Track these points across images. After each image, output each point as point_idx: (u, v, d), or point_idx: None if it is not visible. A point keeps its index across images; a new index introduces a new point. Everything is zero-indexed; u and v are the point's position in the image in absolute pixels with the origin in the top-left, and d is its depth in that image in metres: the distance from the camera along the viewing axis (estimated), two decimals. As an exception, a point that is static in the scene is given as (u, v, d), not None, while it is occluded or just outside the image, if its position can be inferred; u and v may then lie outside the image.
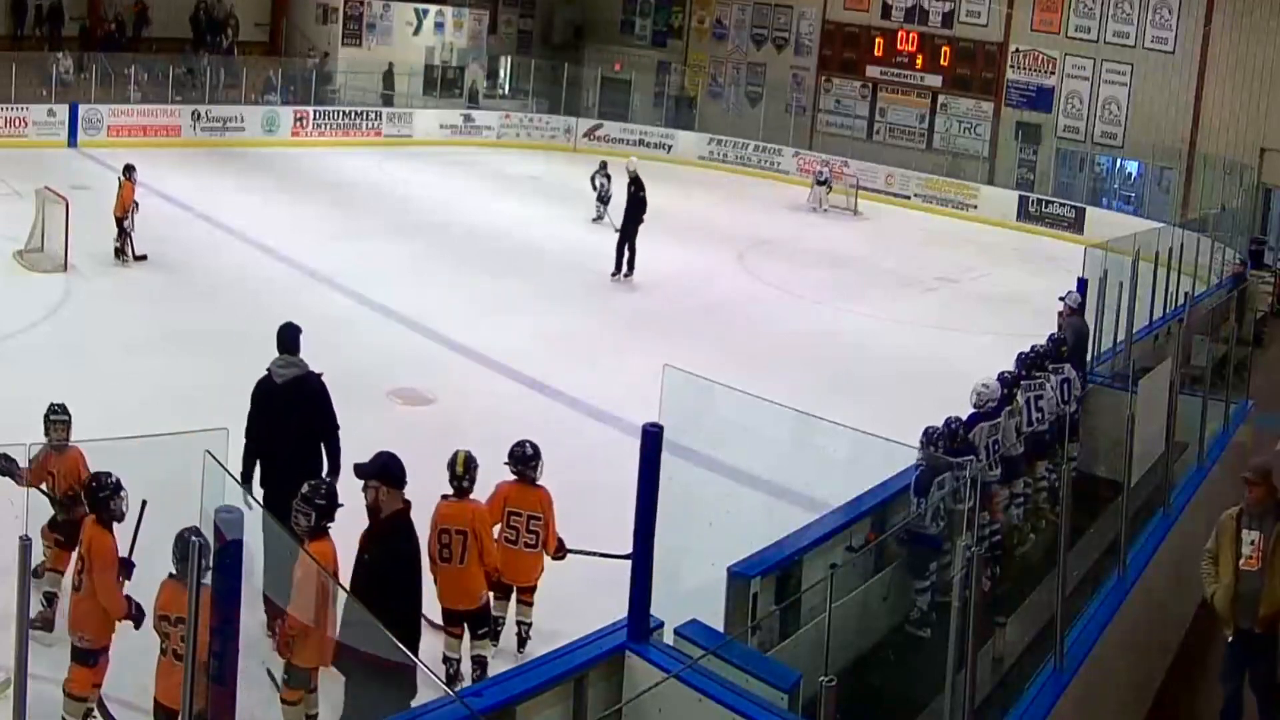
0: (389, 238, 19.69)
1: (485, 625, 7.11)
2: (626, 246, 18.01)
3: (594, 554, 7.58)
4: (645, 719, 5.13)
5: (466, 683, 6.84)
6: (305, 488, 6.17)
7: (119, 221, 16.08)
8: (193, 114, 27.11)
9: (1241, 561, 6.63)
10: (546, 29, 37.26)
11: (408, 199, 23.69)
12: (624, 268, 17.99)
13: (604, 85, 34.08)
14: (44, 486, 6.76)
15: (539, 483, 7.45)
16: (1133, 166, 28.28)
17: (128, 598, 5.99)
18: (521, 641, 7.55)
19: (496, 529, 7.28)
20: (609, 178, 21.47)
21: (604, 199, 21.71)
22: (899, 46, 31.12)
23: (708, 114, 33.77)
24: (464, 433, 8.00)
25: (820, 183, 27.78)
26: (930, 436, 7.68)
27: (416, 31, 33.07)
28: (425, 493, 7.14)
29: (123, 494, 5.95)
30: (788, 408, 6.05)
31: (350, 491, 6.39)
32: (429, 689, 6.27)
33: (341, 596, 6.11)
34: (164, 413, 8.31)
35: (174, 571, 5.39)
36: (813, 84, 32.69)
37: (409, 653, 6.30)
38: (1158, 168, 27.33)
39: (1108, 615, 6.56)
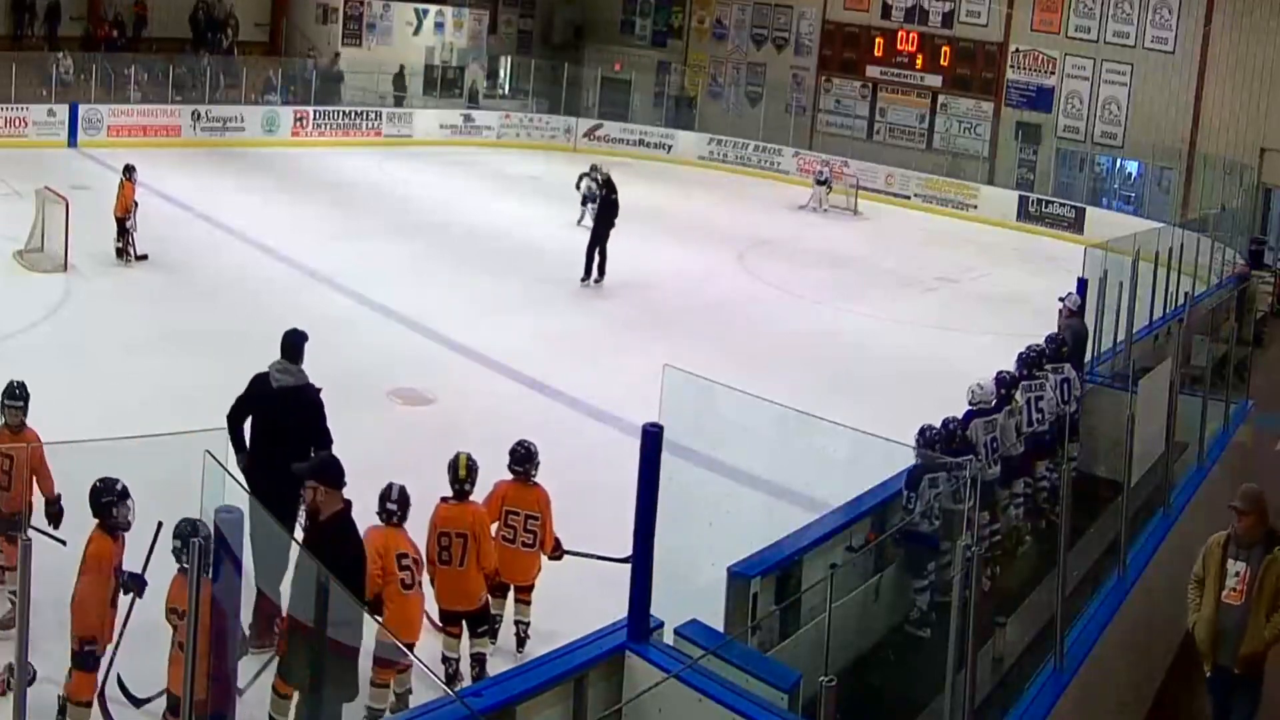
0: (389, 238, 19.69)
1: (484, 624, 7.12)
2: (597, 251, 17.53)
3: (592, 556, 7.59)
4: (645, 719, 5.14)
5: (466, 683, 6.84)
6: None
7: (120, 221, 16.08)
8: (193, 114, 27.11)
9: (1224, 593, 6.27)
10: (546, 29, 37.26)
11: (408, 199, 23.69)
12: (594, 273, 17.53)
13: (604, 85, 34.08)
14: None
15: (537, 482, 7.46)
16: (1133, 166, 28.28)
17: (131, 576, 5.97)
18: (520, 641, 7.55)
19: (494, 527, 7.29)
20: (597, 181, 20.33)
21: (590, 200, 20.85)
22: (899, 46, 31.12)
23: (708, 114, 33.77)
24: (464, 433, 8.01)
25: (820, 183, 27.78)
26: (926, 435, 7.69)
27: (416, 31, 33.06)
28: (424, 493, 7.15)
29: (129, 502, 5.87)
30: (788, 408, 6.05)
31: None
32: (429, 689, 6.29)
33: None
34: (164, 413, 8.31)
35: (178, 562, 5.41)
36: (813, 84, 32.69)
37: (410, 653, 6.35)
38: (1158, 168, 27.33)
39: (1108, 615, 6.56)
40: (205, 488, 3.92)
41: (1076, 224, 26.72)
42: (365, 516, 6.68)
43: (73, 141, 25.19)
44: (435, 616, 7.23)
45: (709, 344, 14.15)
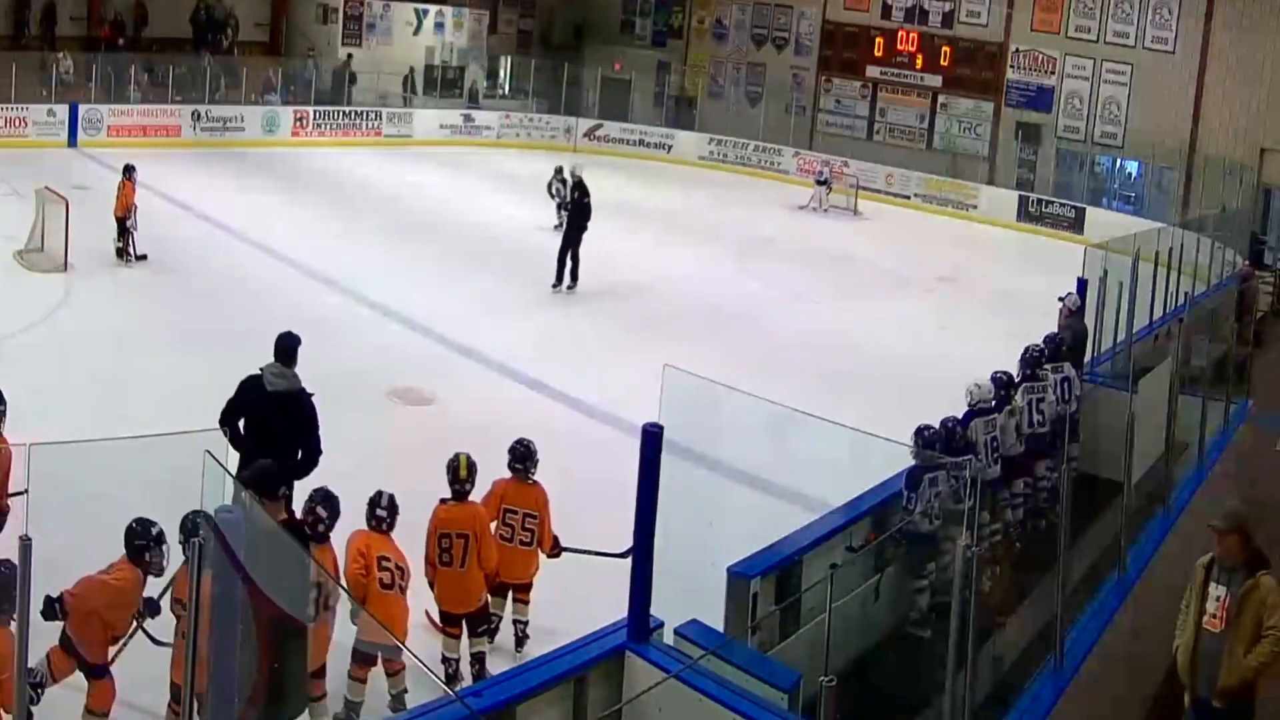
0: (389, 238, 19.69)
1: (484, 624, 7.12)
2: (569, 255, 17.00)
3: (589, 552, 7.60)
4: (645, 719, 5.14)
5: (466, 683, 6.84)
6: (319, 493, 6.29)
7: (120, 221, 16.08)
8: (193, 114, 27.10)
9: (1205, 619, 5.84)
10: (546, 29, 37.24)
11: (408, 199, 23.68)
12: (566, 278, 16.99)
13: (604, 85, 34.08)
14: None
15: (536, 480, 7.46)
16: (1133, 166, 28.28)
17: (148, 602, 5.95)
18: (519, 641, 7.54)
19: (493, 526, 7.28)
20: (565, 182, 19.86)
21: (565, 206, 19.80)
22: (899, 46, 31.12)
23: (708, 114, 33.76)
24: (464, 433, 8.00)
25: (820, 183, 27.79)
26: (923, 435, 7.69)
27: (416, 31, 33.05)
28: (424, 493, 7.15)
29: (164, 548, 5.81)
30: (788, 408, 6.05)
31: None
32: (429, 689, 6.29)
33: (343, 599, 6.14)
34: (164, 413, 8.31)
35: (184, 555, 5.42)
36: (813, 84, 32.68)
37: (406, 648, 6.35)
38: (1158, 168, 27.31)
39: (1108, 615, 6.56)
40: (205, 488, 3.91)
41: (1076, 224, 26.73)
42: (362, 517, 6.70)
43: (73, 141, 25.18)
44: (435, 617, 7.24)
45: (709, 344, 14.14)
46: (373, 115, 30.25)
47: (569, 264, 16.99)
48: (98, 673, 5.88)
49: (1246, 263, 19.39)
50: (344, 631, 6.50)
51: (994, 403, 8.69)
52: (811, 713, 4.97)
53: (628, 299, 17.28)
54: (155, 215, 17.63)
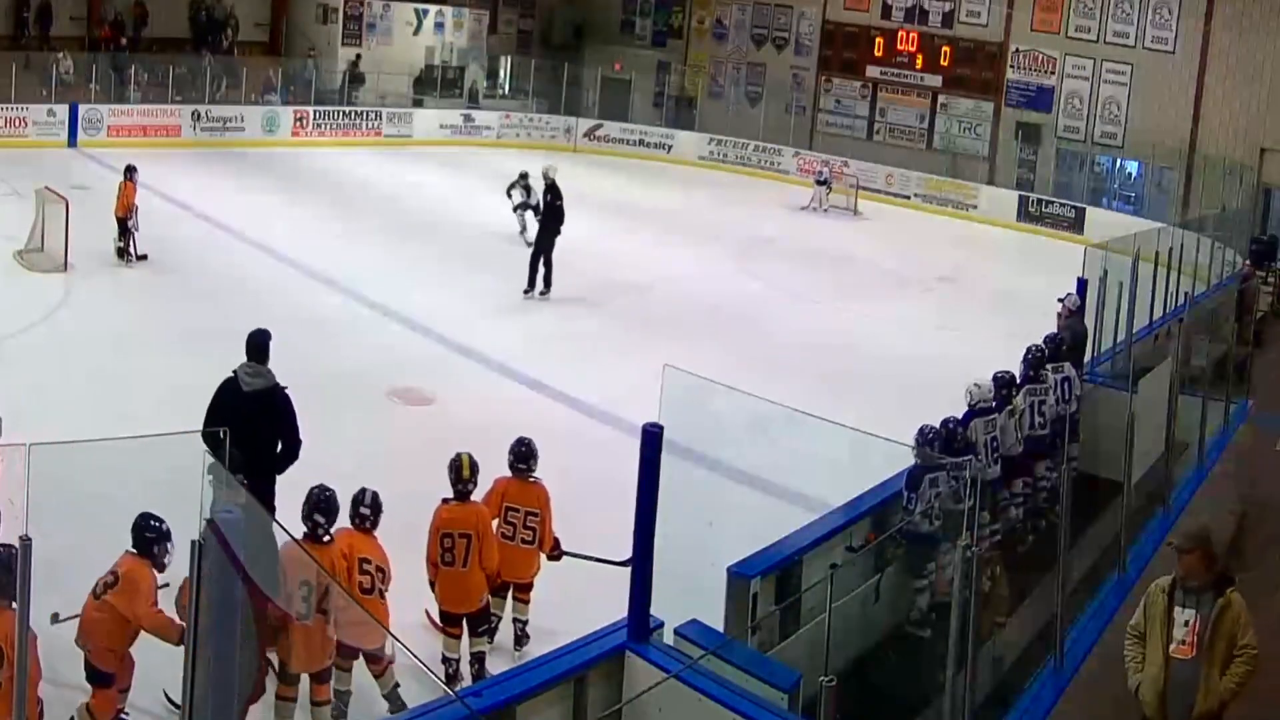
0: (389, 238, 19.69)
1: (484, 624, 7.12)
2: (541, 261, 16.48)
3: (591, 558, 7.59)
4: (645, 719, 5.14)
5: (466, 683, 6.84)
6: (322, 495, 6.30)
7: (121, 222, 16.07)
8: (193, 114, 27.09)
9: (1173, 647, 5.38)
10: (546, 29, 37.24)
11: (408, 199, 23.68)
12: (539, 284, 16.48)
13: (604, 85, 34.08)
14: None
15: (537, 479, 7.47)
16: (1133, 166, 28.27)
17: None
18: (519, 640, 7.54)
19: (494, 524, 7.28)
20: (528, 189, 19.39)
21: (524, 208, 19.55)
22: (899, 46, 31.11)
23: (708, 114, 33.75)
24: (464, 433, 8.00)
25: (820, 183, 27.79)
26: (924, 435, 7.69)
27: (416, 31, 33.04)
28: (424, 493, 7.16)
29: (170, 545, 5.84)
30: (788, 408, 6.05)
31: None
32: (429, 689, 6.28)
33: (333, 595, 6.13)
34: (164, 413, 8.31)
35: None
36: (813, 84, 32.68)
37: (415, 655, 6.34)
38: (1158, 168, 27.31)
39: (1108, 615, 6.56)
40: (205, 488, 3.91)
41: (1076, 224, 26.72)
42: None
43: (73, 141, 25.18)
44: (436, 617, 7.24)
45: (709, 344, 14.14)
46: (373, 115, 30.25)
47: (541, 270, 16.48)
48: (105, 680, 5.84)
49: (1247, 262, 19.36)
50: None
51: (994, 403, 8.69)
52: (811, 713, 4.97)
53: (628, 299, 17.28)
54: (155, 215, 17.63)
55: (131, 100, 26.70)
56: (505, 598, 7.52)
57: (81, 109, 25.48)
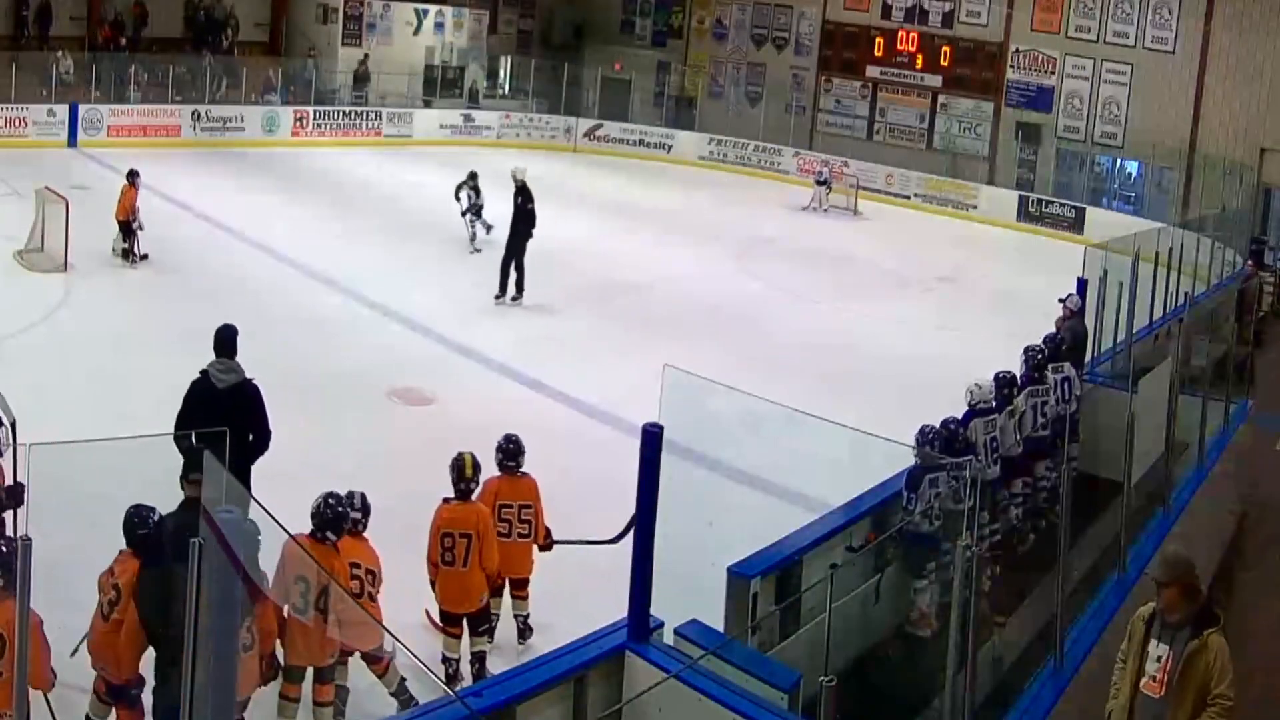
0: (389, 238, 19.69)
1: (485, 623, 7.12)
2: (513, 266, 15.93)
3: (581, 542, 7.66)
4: (645, 719, 5.13)
5: (466, 683, 6.84)
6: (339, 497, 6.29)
7: (123, 224, 16.05)
8: (193, 114, 27.10)
9: (1143, 681, 5.12)
10: (546, 29, 37.25)
11: (408, 199, 23.67)
12: (510, 289, 15.97)
13: (604, 85, 34.08)
14: None
15: (525, 472, 7.50)
16: (1133, 166, 28.27)
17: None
18: (522, 633, 7.57)
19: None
20: (477, 190, 18.88)
21: (475, 212, 18.97)
22: (899, 46, 31.12)
23: (708, 114, 33.76)
24: (464, 433, 8.00)
25: (820, 183, 27.80)
26: (925, 435, 7.69)
27: (416, 31, 33.05)
28: (424, 493, 7.16)
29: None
30: (787, 408, 6.05)
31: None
32: (429, 689, 6.29)
33: (341, 598, 6.13)
34: (164, 413, 8.29)
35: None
36: (813, 84, 32.68)
37: (415, 655, 6.34)
38: (1158, 168, 27.32)
39: (1108, 615, 6.56)
40: (205, 487, 3.92)
41: (1076, 224, 26.72)
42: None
43: (73, 141, 25.18)
44: (436, 617, 7.24)
45: (709, 344, 14.15)
46: (373, 115, 30.26)
47: (513, 274, 15.99)
48: (128, 696, 5.71)
49: (1249, 262, 19.37)
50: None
51: (994, 403, 8.69)
52: (811, 713, 4.97)
53: (628, 299, 17.28)
54: (155, 215, 17.63)
55: (131, 100, 26.71)
56: (501, 597, 7.53)
57: (81, 109, 25.49)
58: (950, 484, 7.04)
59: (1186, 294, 13.48)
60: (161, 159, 23.00)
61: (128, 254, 16.05)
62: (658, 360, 6.19)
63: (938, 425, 7.88)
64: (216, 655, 3.44)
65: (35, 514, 4.70)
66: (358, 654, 6.55)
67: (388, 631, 6.29)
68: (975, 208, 28.57)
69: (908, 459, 7.31)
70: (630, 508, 5.20)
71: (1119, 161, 28.43)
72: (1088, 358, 10.75)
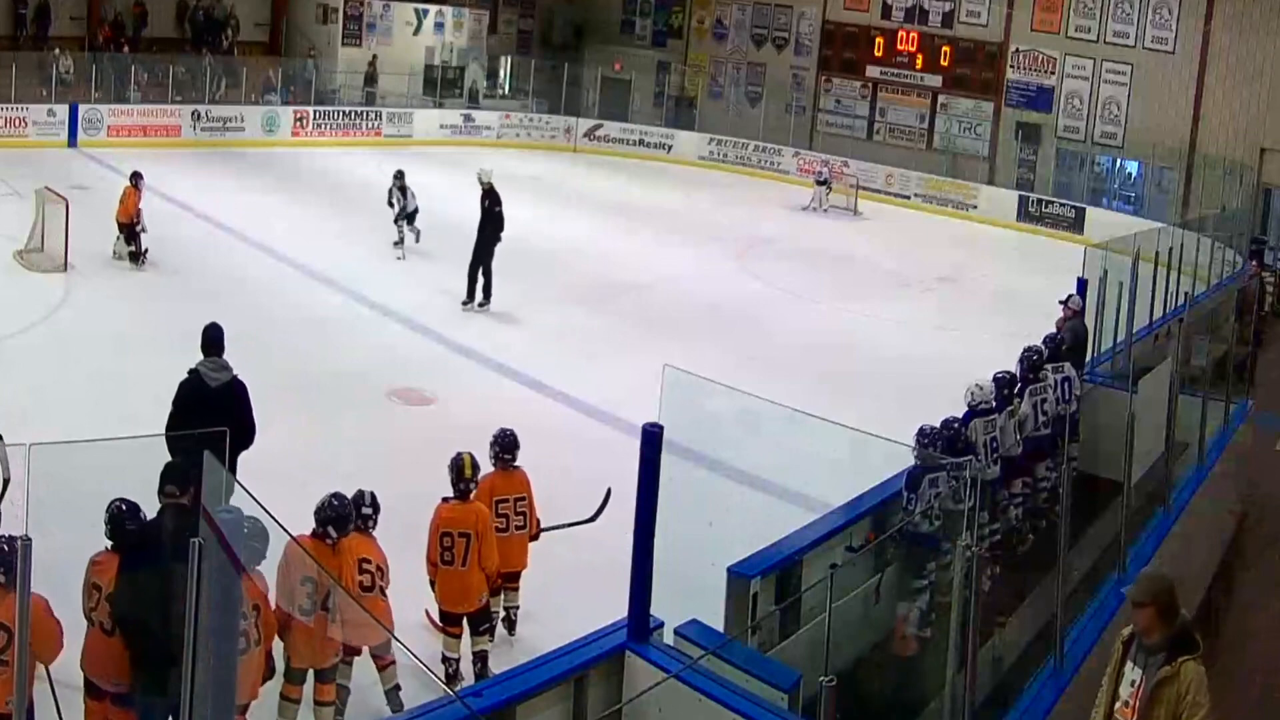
0: (389, 238, 19.66)
1: (485, 623, 7.13)
2: (480, 271, 15.46)
3: (561, 526, 7.77)
4: (645, 719, 5.13)
5: (466, 682, 6.84)
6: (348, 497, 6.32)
7: (124, 227, 16.01)
8: (193, 114, 27.11)
9: (1116, 706, 4.90)
10: (546, 29, 37.26)
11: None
12: (477, 295, 15.50)
13: (604, 85, 34.09)
14: None
15: (517, 465, 7.55)
16: (1133, 166, 28.28)
17: None
18: (511, 625, 7.61)
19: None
20: (405, 192, 18.12)
21: (405, 216, 18.19)
22: (899, 46, 31.12)
23: (708, 114, 33.77)
24: (464, 433, 8.00)
25: (820, 183, 27.80)
26: (924, 435, 7.69)
27: (416, 31, 33.07)
28: (424, 493, 7.16)
29: None
30: (787, 408, 6.05)
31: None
32: (429, 689, 6.29)
33: (336, 595, 6.13)
34: (164, 413, 8.30)
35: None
36: (813, 84, 32.69)
37: (415, 655, 6.34)
38: (1158, 168, 27.32)
39: (1108, 615, 6.55)
40: (206, 488, 3.91)
41: (1076, 224, 26.73)
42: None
43: (73, 141, 25.18)
44: (436, 617, 7.24)
45: (709, 344, 14.16)
46: (373, 115, 30.28)
47: (480, 280, 15.52)
48: (126, 701, 5.57)
49: (1253, 263, 19.37)
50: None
51: (994, 403, 8.69)
52: (811, 713, 4.97)
53: (627, 299, 17.28)
54: (155, 215, 17.61)
55: (131, 100, 26.71)
56: (501, 595, 7.54)
57: (81, 109, 25.49)
58: (950, 484, 7.04)
59: (1186, 294, 13.49)
60: (161, 159, 23.00)
61: (135, 256, 16.01)
62: (658, 360, 6.19)
63: (937, 425, 7.88)
64: (216, 655, 3.44)
65: (35, 514, 4.70)
66: (364, 651, 6.56)
67: (388, 631, 6.30)
68: (975, 208, 28.58)
69: (908, 459, 7.31)
70: (631, 508, 5.20)
71: (1119, 161, 28.44)
72: (1088, 358, 10.75)
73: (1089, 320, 10.87)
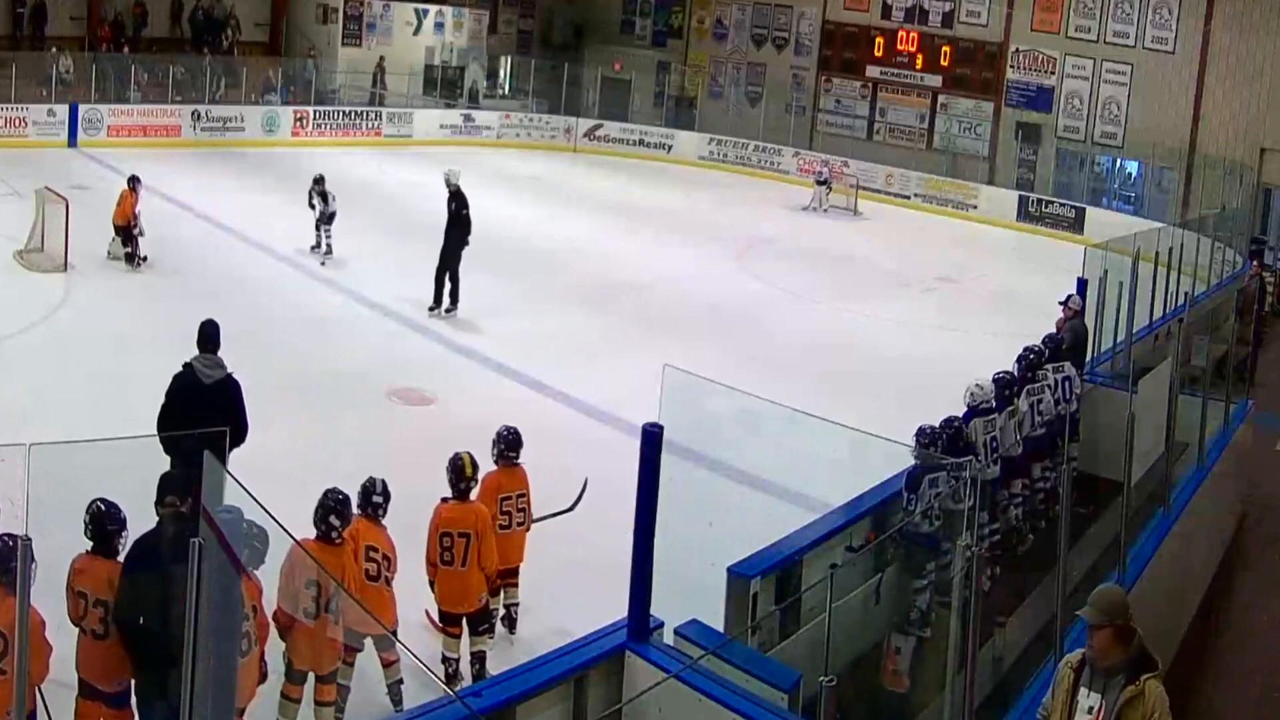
0: (389, 237, 19.68)
1: (485, 623, 7.13)
2: (447, 275, 15.03)
3: (550, 515, 7.82)
4: (645, 719, 5.13)
5: (466, 683, 6.84)
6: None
7: (121, 229, 15.99)
8: (193, 114, 27.11)
9: None
10: (546, 29, 37.26)
11: (408, 199, 23.65)
12: (444, 300, 15.10)
13: (604, 85, 34.10)
14: None
15: (518, 462, 7.58)
16: (1133, 166, 28.29)
17: None
18: (512, 622, 7.62)
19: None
20: (324, 195, 17.54)
21: (327, 220, 17.57)
22: (899, 46, 31.13)
23: (708, 114, 33.77)
24: (464, 433, 8.01)
25: (820, 183, 27.81)
26: (924, 435, 7.69)
27: (416, 31, 33.08)
28: (424, 493, 7.15)
29: (126, 534, 5.48)
30: (787, 408, 6.05)
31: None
32: (429, 689, 6.29)
33: (340, 597, 6.13)
34: (164, 413, 8.31)
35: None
36: (813, 84, 32.70)
37: (415, 655, 6.35)
38: (1158, 168, 27.33)
39: (1108, 615, 6.54)
40: (205, 488, 3.91)
41: (1076, 224, 26.73)
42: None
43: (73, 141, 25.18)
44: (435, 617, 7.24)
45: (709, 344, 14.16)
46: (373, 115, 30.28)
47: (448, 284, 15.09)
48: (120, 702, 5.56)
49: (1253, 263, 19.38)
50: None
51: (994, 403, 8.69)
52: (811, 713, 4.97)
53: (628, 299, 17.28)
54: (155, 215, 17.62)
55: (131, 100, 26.72)
56: (501, 595, 7.55)
57: (81, 109, 25.49)
58: (950, 484, 7.04)
59: (1186, 294, 13.49)
60: (161, 159, 23.01)
61: (131, 258, 16.00)
62: (658, 360, 6.19)
63: (937, 425, 7.88)
64: (216, 655, 3.44)
65: (35, 514, 4.70)
66: (366, 648, 6.57)
67: (388, 631, 6.30)
68: (975, 208, 28.58)
69: (907, 459, 7.31)
70: (631, 508, 5.20)
71: (1119, 161, 28.45)
72: (1088, 358, 10.76)
73: (1089, 320, 10.87)
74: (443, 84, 32.97)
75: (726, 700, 4.89)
